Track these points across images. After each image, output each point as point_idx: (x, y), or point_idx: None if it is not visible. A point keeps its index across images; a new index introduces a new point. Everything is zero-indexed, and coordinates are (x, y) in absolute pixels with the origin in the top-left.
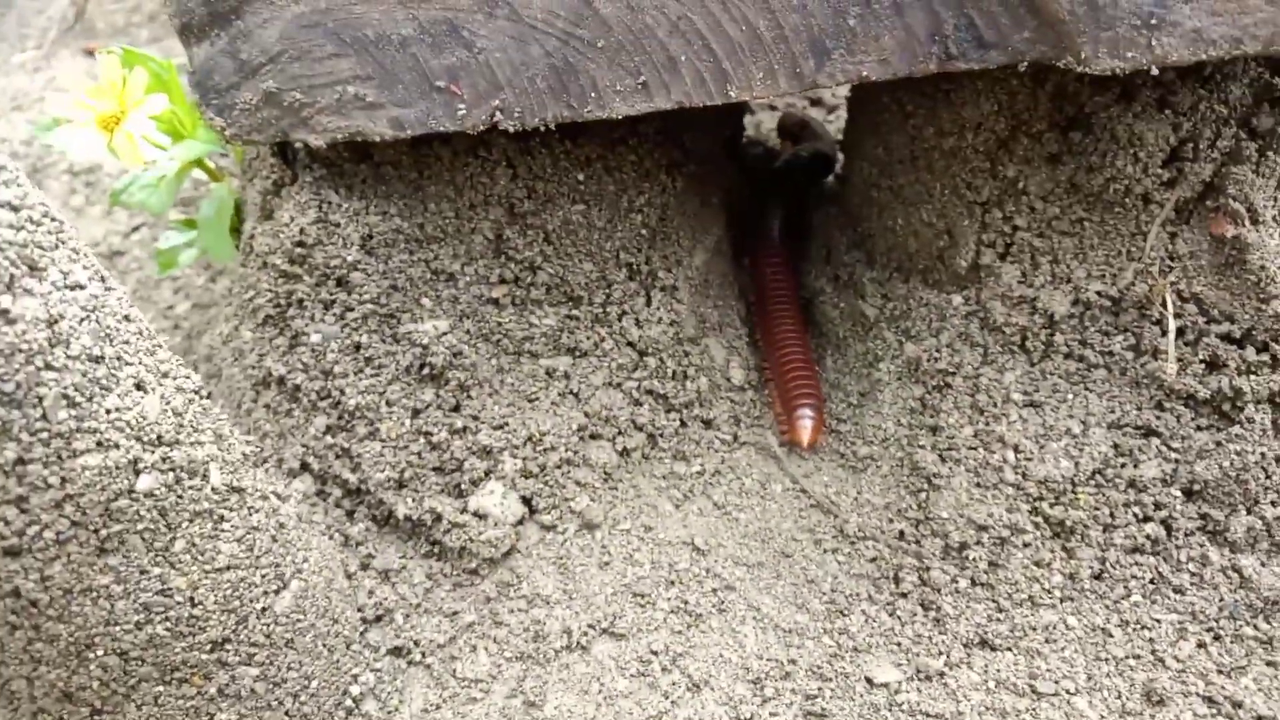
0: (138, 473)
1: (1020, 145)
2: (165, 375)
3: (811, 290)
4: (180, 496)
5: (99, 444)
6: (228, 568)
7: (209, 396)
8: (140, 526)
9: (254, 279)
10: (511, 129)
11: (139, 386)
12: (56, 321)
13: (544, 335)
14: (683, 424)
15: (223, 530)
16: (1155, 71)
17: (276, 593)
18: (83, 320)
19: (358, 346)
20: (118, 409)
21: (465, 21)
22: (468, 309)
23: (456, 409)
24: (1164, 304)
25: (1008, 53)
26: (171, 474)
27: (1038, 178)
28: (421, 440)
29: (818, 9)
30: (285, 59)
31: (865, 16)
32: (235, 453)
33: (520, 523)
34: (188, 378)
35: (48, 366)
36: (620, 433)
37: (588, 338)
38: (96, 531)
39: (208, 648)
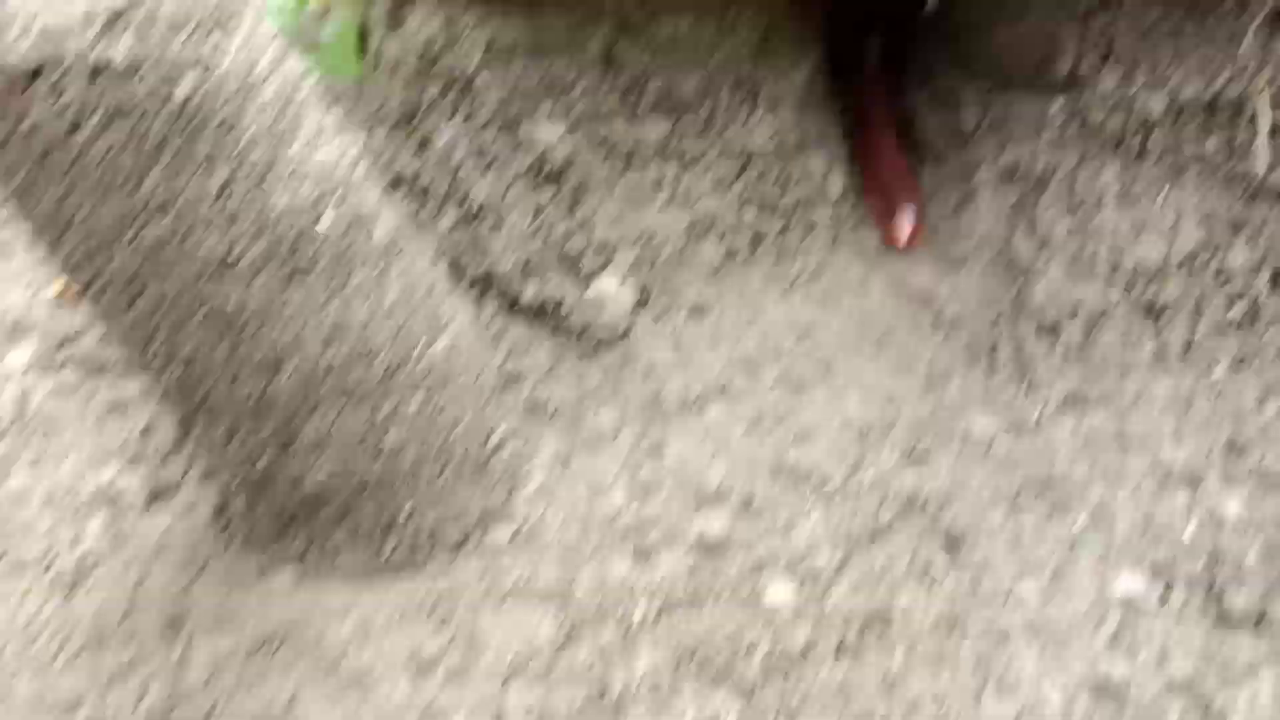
0: (318, 214)
1: None
2: (340, 131)
3: (911, 110)
4: (353, 242)
5: (289, 181)
6: (392, 310)
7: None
8: (321, 264)
9: (384, 87)
10: None
11: (319, 135)
12: (249, 71)
13: (653, 144)
14: (786, 227)
15: (389, 276)
16: None
17: (433, 339)
18: (270, 73)
19: (482, 148)
20: (302, 153)
21: None
22: (583, 116)
23: (574, 207)
24: (1259, 102)
25: None
26: (346, 218)
27: None
28: (542, 235)
29: None
30: None
31: None
32: (390, 215)
33: (636, 309)
34: (354, 140)
35: (244, 109)
36: (727, 233)
37: (695, 146)
38: (284, 263)
39: (380, 375)
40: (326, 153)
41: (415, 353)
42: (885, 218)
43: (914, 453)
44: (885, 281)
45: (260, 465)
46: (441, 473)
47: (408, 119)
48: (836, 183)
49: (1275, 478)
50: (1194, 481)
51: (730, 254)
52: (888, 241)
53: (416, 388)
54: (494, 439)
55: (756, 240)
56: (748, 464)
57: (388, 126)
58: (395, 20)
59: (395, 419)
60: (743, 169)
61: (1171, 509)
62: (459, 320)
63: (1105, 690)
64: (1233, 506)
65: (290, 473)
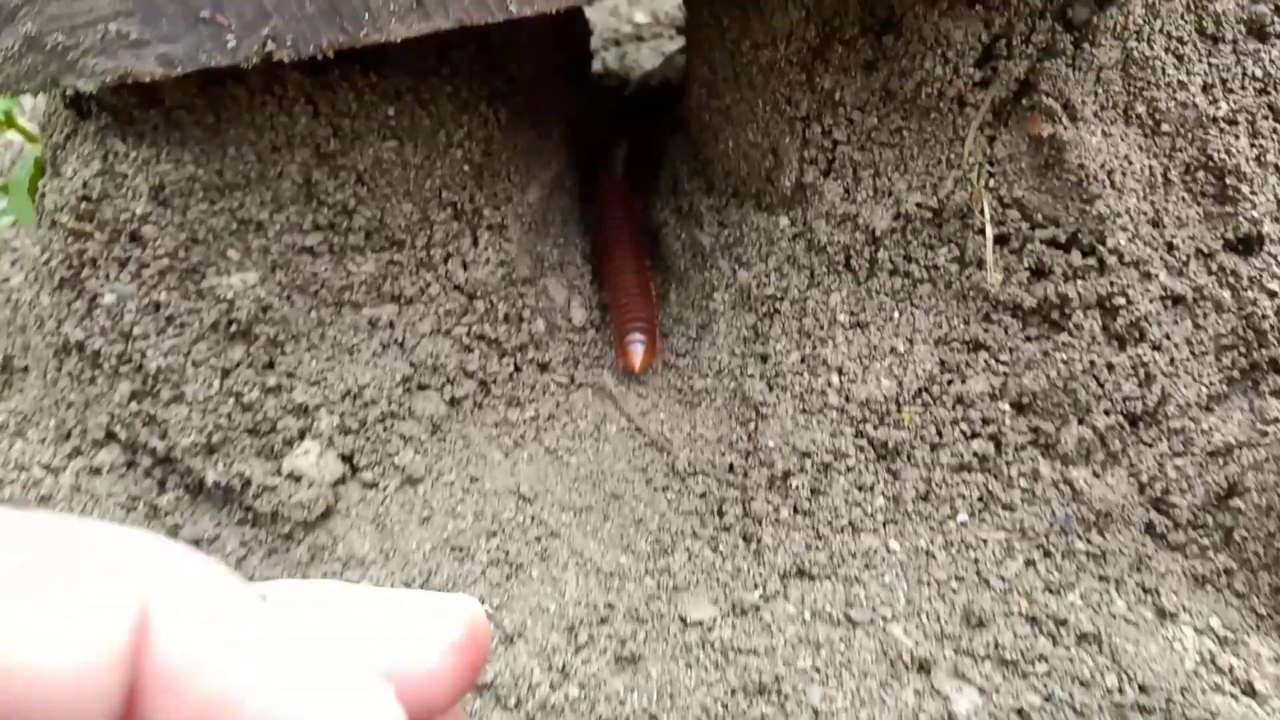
0: None
1: (834, 54)
2: None
3: (657, 222)
4: None
5: None
6: None
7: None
8: None
9: (46, 239)
10: (287, 59)
11: None
12: None
13: (364, 283)
14: (517, 368)
15: None
16: None
17: None
18: None
19: (157, 305)
20: None
21: None
22: (279, 259)
23: (270, 366)
24: (983, 211)
25: None
26: None
27: (853, 87)
28: (232, 401)
29: None
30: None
31: None
32: None
33: (340, 482)
34: None
35: None
36: (449, 381)
37: (412, 283)
38: None
39: None
40: None
41: None
42: (618, 341)
43: (625, 653)
44: (621, 425)
45: None
46: None
47: (73, 276)
48: (579, 313)
49: (1014, 660)
50: (925, 668)
51: (453, 404)
52: (623, 368)
53: None
54: None
55: (483, 387)
56: None
57: (52, 286)
58: (54, 163)
59: None
60: (468, 305)
61: (899, 709)
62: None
63: None
64: (964, 701)
65: None
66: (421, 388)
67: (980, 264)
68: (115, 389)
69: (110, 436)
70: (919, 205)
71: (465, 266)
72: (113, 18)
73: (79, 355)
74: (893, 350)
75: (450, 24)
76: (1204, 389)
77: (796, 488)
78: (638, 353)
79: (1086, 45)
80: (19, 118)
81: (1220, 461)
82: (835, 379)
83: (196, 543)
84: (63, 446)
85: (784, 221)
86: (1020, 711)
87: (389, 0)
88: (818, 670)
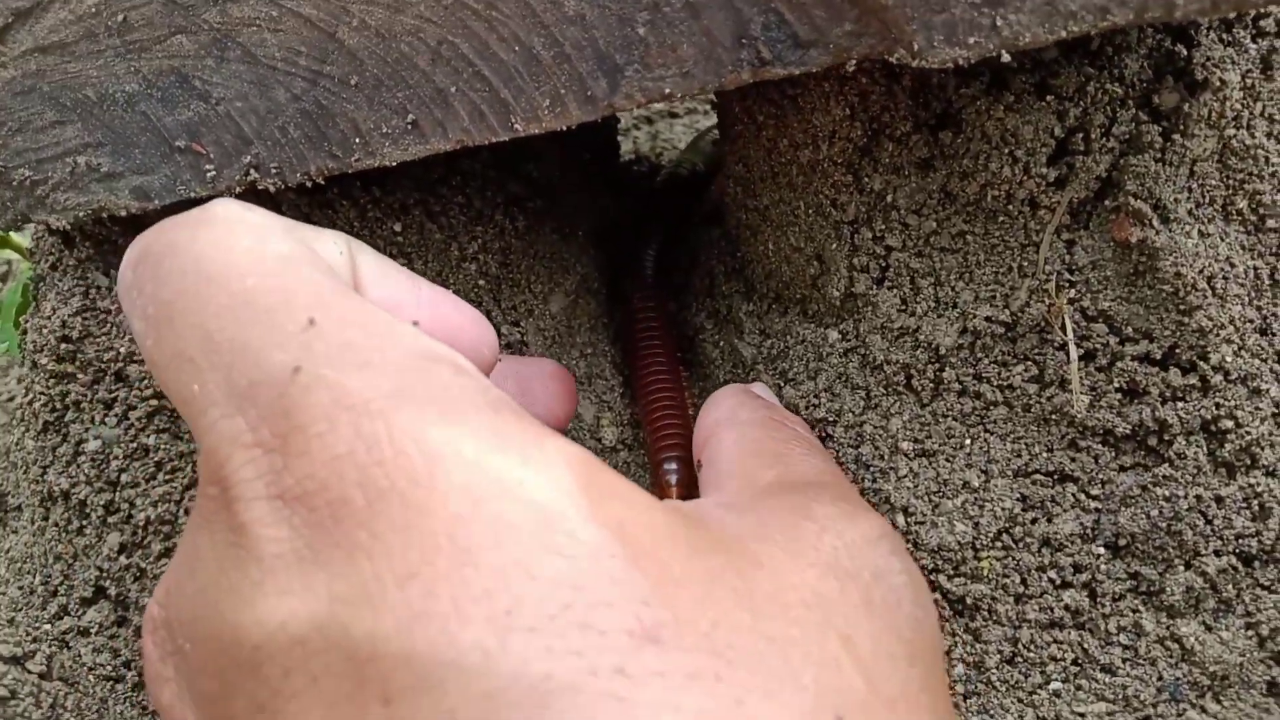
0: None
1: (884, 152)
2: None
3: (693, 327)
4: None
5: None
6: None
7: None
8: None
9: (29, 380)
10: (272, 188)
11: None
12: None
13: None
14: None
15: None
16: (1007, 58)
17: None
18: None
19: (146, 450)
20: None
21: (194, 70)
22: None
23: None
24: (1063, 326)
25: (830, 51)
26: None
27: (907, 189)
28: None
29: (599, 20)
30: (5, 133)
31: (656, 23)
32: None
33: None
34: None
35: None
36: None
37: None
38: None
39: None
40: None
41: None
42: (653, 470)
43: None
44: None
45: None
46: None
47: (57, 420)
48: (609, 431)
49: None
50: None
51: None
52: (658, 494)
53: None
54: None
55: None
56: None
57: (36, 430)
58: (36, 298)
59: None
60: None
61: None
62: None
63: None
64: None
65: None
66: None
67: (1063, 384)
68: (104, 541)
69: (99, 593)
70: (989, 319)
71: None
72: (81, 150)
73: (65, 504)
74: (965, 485)
75: (449, 145)
76: None
77: None
78: (673, 483)
79: (1177, 136)
80: (14, 235)
81: None
82: (901, 520)
83: None
84: (50, 606)
85: (834, 335)
86: None
87: (380, 123)
88: None
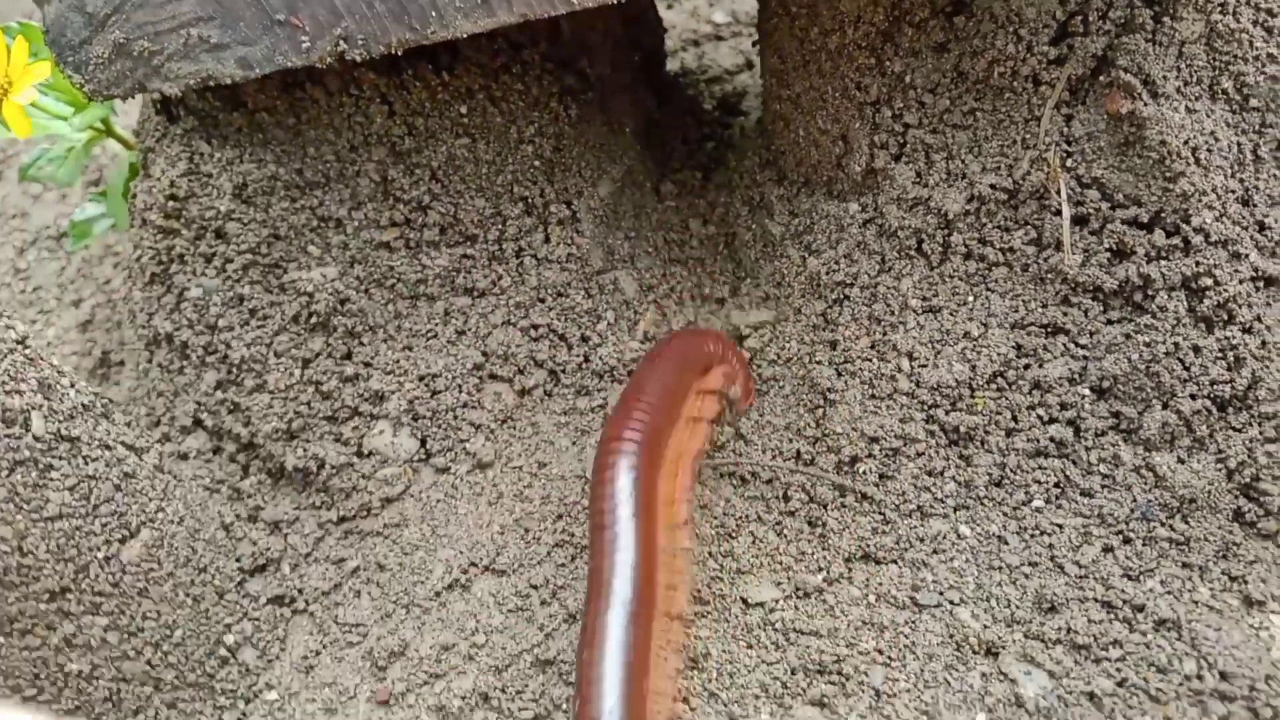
0: None
1: (904, 36)
2: None
3: (733, 219)
4: None
5: None
6: (59, 516)
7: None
8: None
9: (138, 237)
10: (359, 58)
11: None
12: None
13: (438, 276)
14: (586, 359)
15: (51, 479)
16: None
17: (122, 541)
18: None
19: (241, 299)
20: None
21: None
22: (358, 254)
23: (348, 356)
24: (1060, 191)
25: None
26: None
27: (924, 69)
28: (311, 389)
29: None
30: (129, 7)
31: None
32: (66, 403)
33: (413, 464)
34: (6, 328)
35: None
36: (520, 371)
37: (484, 276)
38: None
39: (45, 597)
40: None
41: (97, 560)
42: None
43: (690, 630)
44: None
45: None
46: (150, 699)
47: (162, 272)
48: (646, 307)
49: (1087, 644)
50: (993, 651)
51: (524, 393)
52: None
53: (101, 603)
54: (225, 647)
55: (553, 376)
56: (506, 656)
57: (143, 281)
58: (145, 165)
59: (75, 647)
60: (539, 298)
61: (963, 691)
62: (170, 510)
63: None
64: (1032, 685)
65: None
66: (493, 377)
67: (1058, 246)
68: (202, 378)
69: (197, 423)
70: (993, 187)
71: (537, 260)
72: (194, 23)
73: (168, 347)
74: (966, 335)
75: (514, 18)
76: None
77: (864, 472)
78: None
79: (1167, 19)
80: (116, 126)
81: None
82: (906, 364)
83: (276, 525)
84: (152, 433)
85: (854, 207)
86: (1092, 696)
87: None
88: (880, 652)
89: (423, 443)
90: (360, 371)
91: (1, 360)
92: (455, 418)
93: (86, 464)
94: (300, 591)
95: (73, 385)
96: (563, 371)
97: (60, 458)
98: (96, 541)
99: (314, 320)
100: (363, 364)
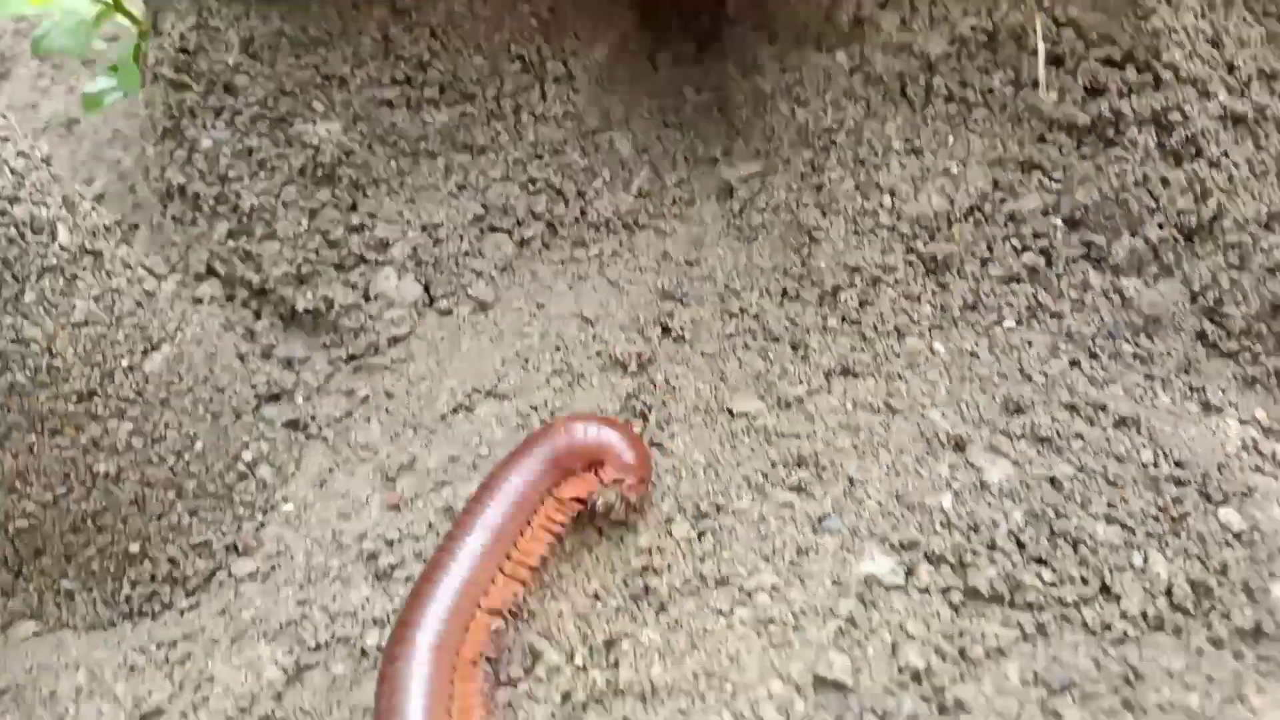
0: None
1: None
2: (4, 140)
3: (722, 79)
4: (25, 250)
5: None
6: (85, 323)
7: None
8: None
9: (150, 94)
10: None
11: None
12: None
13: (438, 133)
14: (582, 213)
15: (77, 287)
16: None
17: (144, 353)
18: None
19: (250, 150)
20: None
21: None
22: (360, 110)
23: (353, 207)
24: (1036, 30)
25: None
26: (13, 228)
27: None
28: (319, 238)
29: None
30: None
31: None
32: (89, 220)
33: (418, 305)
34: (32, 147)
35: None
36: (519, 222)
37: (483, 133)
38: None
39: (73, 398)
40: None
41: (121, 368)
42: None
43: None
44: (680, 260)
45: None
46: (173, 504)
47: (174, 126)
48: (641, 166)
49: (1050, 437)
50: (961, 445)
51: (523, 244)
52: None
53: (125, 408)
54: (243, 462)
55: (551, 228)
56: None
57: (156, 136)
58: (155, 23)
59: (102, 449)
60: (536, 154)
61: (931, 478)
62: (190, 332)
63: (827, 685)
64: (997, 472)
65: None
66: (493, 229)
67: (1035, 84)
68: (214, 228)
69: (210, 271)
70: (973, 29)
71: (534, 117)
72: None
73: (181, 199)
74: (946, 172)
75: None
76: (1264, 207)
77: (845, 300)
78: None
79: None
80: (125, 3)
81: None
82: (887, 200)
83: (289, 362)
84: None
85: (841, 56)
86: (1052, 480)
87: None
88: (855, 448)
89: (426, 288)
90: (365, 221)
91: (30, 174)
92: (457, 265)
93: (110, 278)
94: (313, 418)
95: (94, 208)
96: (560, 224)
97: (85, 269)
98: (121, 350)
99: (320, 173)
100: (367, 215)
